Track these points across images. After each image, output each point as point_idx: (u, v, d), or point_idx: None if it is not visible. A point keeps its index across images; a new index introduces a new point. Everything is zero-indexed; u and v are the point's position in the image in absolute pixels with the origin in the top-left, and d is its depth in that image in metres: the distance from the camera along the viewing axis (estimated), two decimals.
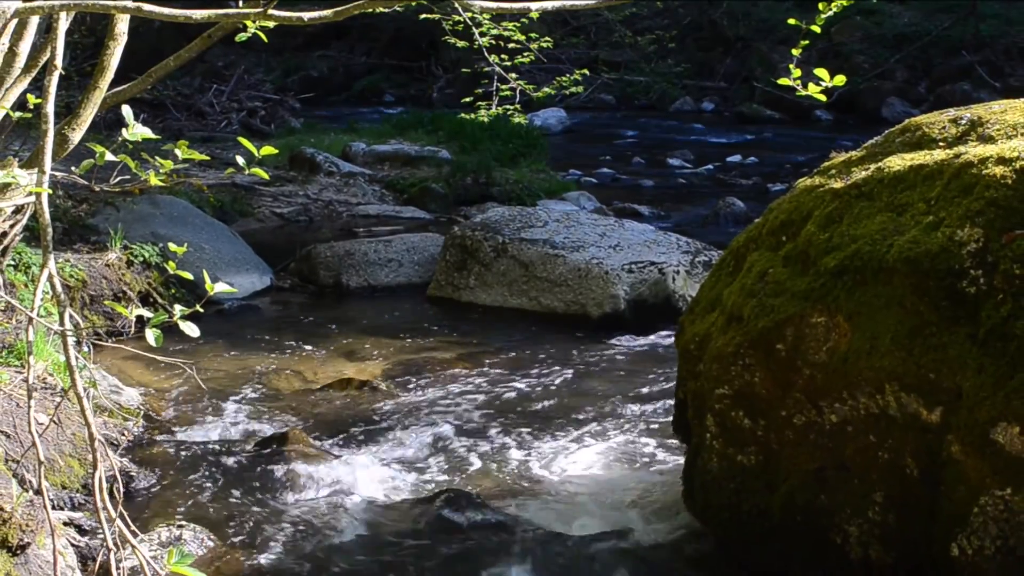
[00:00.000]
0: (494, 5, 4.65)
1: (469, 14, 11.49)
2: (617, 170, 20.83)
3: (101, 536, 5.88)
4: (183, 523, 6.86)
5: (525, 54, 13.63)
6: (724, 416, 6.41)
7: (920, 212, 5.74)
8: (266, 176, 4.48)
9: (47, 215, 3.98)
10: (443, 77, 32.28)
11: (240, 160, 4.40)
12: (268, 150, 4.33)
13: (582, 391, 9.44)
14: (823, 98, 4.64)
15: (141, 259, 11.40)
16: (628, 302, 11.29)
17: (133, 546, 3.90)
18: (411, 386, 9.56)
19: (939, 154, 6.00)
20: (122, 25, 6.05)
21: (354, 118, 25.74)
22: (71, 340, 3.95)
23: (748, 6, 32.08)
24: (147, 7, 3.88)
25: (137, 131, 4.03)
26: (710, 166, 21.26)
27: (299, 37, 33.61)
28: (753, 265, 6.56)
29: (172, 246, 4.50)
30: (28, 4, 3.93)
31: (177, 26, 17.35)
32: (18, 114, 5.30)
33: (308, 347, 10.63)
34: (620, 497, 7.44)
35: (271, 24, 4.10)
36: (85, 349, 9.04)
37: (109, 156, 4.14)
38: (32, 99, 5.02)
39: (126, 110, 4.19)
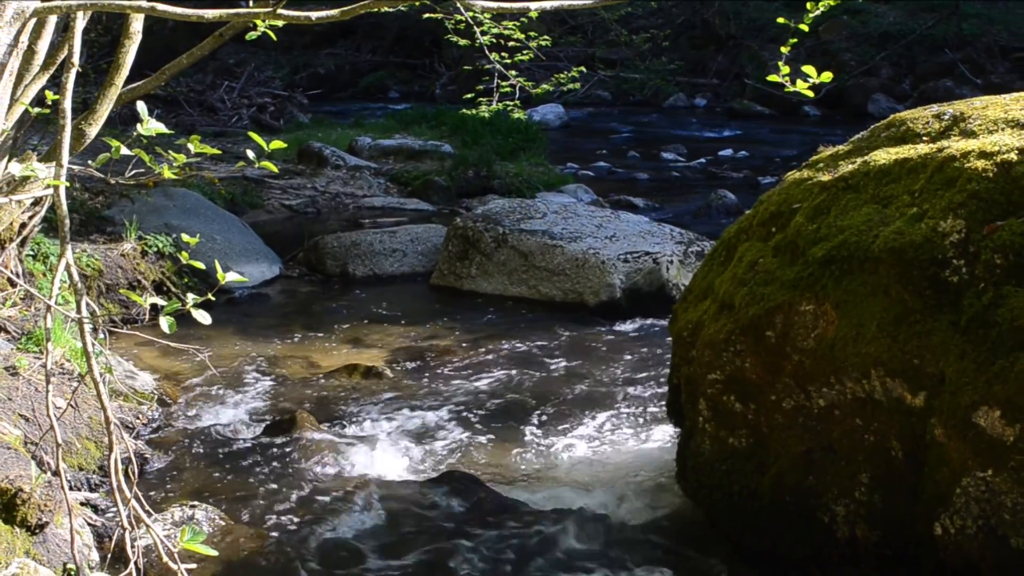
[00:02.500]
0: (495, 5, 4.65)
1: (471, 14, 11.47)
2: (613, 164, 20.83)
3: (117, 516, 5.88)
4: (195, 503, 6.86)
5: (524, 52, 13.62)
6: (716, 400, 6.42)
7: (904, 204, 5.74)
8: (275, 169, 4.48)
9: (64, 207, 3.98)
10: (446, 74, 32.31)
11: (250, 154, 4.40)
12: (277, 144, 4.33)
13: (579, 376, 9.44)
14: (811, 94, 4.65)
15: (155, 249, 11.40)
16: (624, 290, 11.29)
17: (147, 525, 3.90)
18: (415, 371, 9.56)
19: (923, 148, 5.99)
20: (137, 24, 6.05)
21: (360, 114, 25.78)
22: (88, 327, 3.95)
23: (739, 6, 32.10)
24: (161, 7, 3.88)
25: (151, 126, 4.03)
26: (702, 160, 21.25)
27: (307, 36, 33.65)
28: (744, 255, 6.56)
29: (185, 237, 4.51)
30: (46, 4, 3.93)
31: (190, 25, 17.33)
32: (37, 110, 5.29)
33: (316, 334, 10.63)
34: (616, 478, 7.44)
35: (280, 23, 4.10)
36: (101, 336, 9.04)
37: (124, 150, 4.14)
38: (50, 95, 5.01)
39: (141, 106, 4.19)
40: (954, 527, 5.19)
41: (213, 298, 4.03)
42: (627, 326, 10.87)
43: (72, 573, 5.70)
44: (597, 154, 21.69)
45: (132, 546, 3.90)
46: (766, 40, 30.37)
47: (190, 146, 4.30)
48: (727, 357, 6.31)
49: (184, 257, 4.29)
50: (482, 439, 8.18)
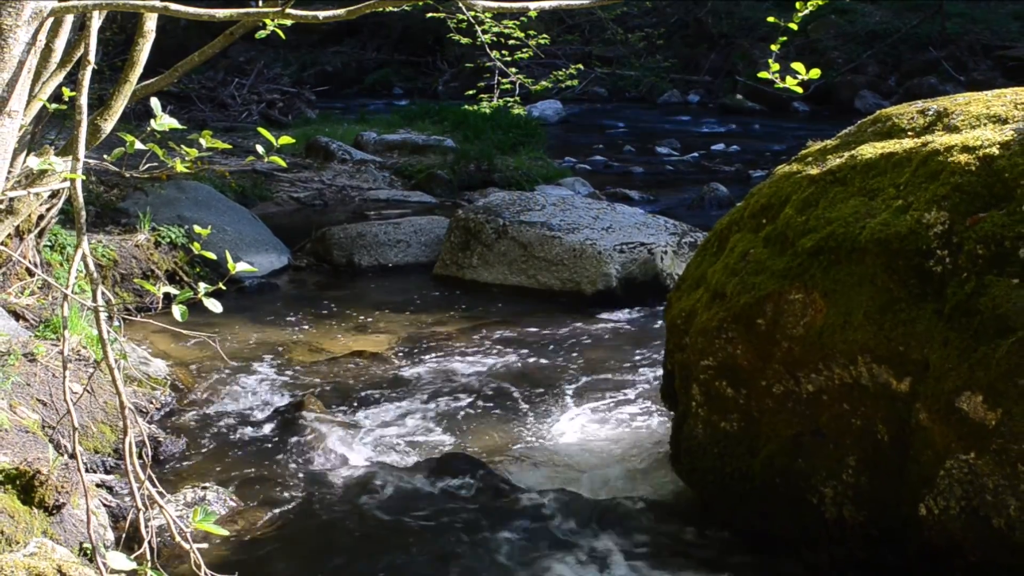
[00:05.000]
0: (495, 4, 4.64)
1: (472, 13, 11.46)
2: (609, 158, 20.83)
3: (131, 497, 5.88)
4: (207, 485, 6.87)
5: (524, 50, 13.60)
6: (708, 386, 6.42)
7: (890, 196, 5.74)
8: (284, 163, 4.48)
9: (81, 199, 3.97)
10: (448, 71, 32.32)
11: (260, 148, 4.39)
12: (286, 139, 4.32)
13: (576, 362, 9.44)
14: (800, 90, 4.64)
15: (168, 240, 11.40)
16: (619, 280, 11.29)
17: (160, 506, 3.90)
18: (418, 357, 9.56)
19: (908, 143, 5.99)
20: (150, 23, 6.04)
21: (365, 109, 25.77)
22: (103, 315, 3.95)
23: (731, 5, 32.11)
24: (174, 6, 3.87)
25: (164, 121, 4.02)
26: (695, 154, 21.26)
27: (314, 34, 33.66)
28: (735, 246, 6.56)
29: (197, 228, 4.50)
30: (63, 3, 3.92)
31: (201, 24, 17.30)
32: (54, 106, 5.28)
33: (323, 321, 10.63)
34: (611, 460, 7.45)
35: (288, 22, 4.09)
36: (116, 324, 9.02)
37: (138, 145, 4.13)
38: (67, 92, 5.00)
39: (154, 102, 4.18)
40: (938, 508, 5.19)
41: (224, 287, 4.02)
42: (623, 314, 10.87)
43: (88, 552, 5.70)
44: (594, 148, 21.68)
45: (146, 526, 3.89)
46: (757, 39, 30.39)
47: (202, 141, 4.29)
48: (719, 344, 6.31)
49: (196, 248, 4.28)
50: (483, 422, 8.19)
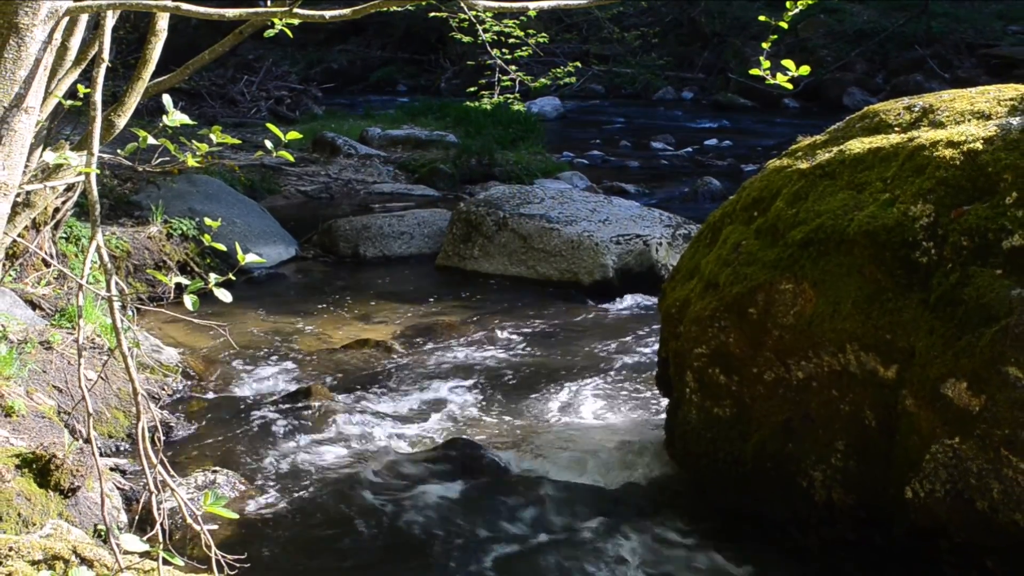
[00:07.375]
0: (495, 4, 4.63)
1: (473, 12, 11.45)
2: (606, 152, 20.81)
3: (144, 480, 5.89)
4: (217, 469, 6.87)
5: (523, 48, 13.60)
6: (702, 373, 6.42)
7: (878, 190, 5.73)
8: (291, 158, 4.47)
9: (95, 192, 3.96)
10: (450, 69, 32.27)
11: (268, 144, 4.39)
12: (293, 135, 4.32)
13: (574, 350, 9.44)
14: (790, 86, 4.65)
15: (179, 232, 11.40)
16: (616, 271, 11.30)
17: (172, 489, 3.90)
18: (422, 346, 9.56)
19: (895, 138, 5.99)
20: (162, 22, 6.03)
21: (370, 106, 25.74)
22: (117, 305, 3.95)
23: (723, 5, 32.09)
24: (185, 6, 3.86)
25: (176, 117, 4.02)
26: (689, 149, 21.23)
27: (321, 33, 33.64)
28: (728, 237, 6.56)
29: (207, 220, 4.50)
30: (78, 3, 3.91)
31: (212, 23, 17.28)
32: (69, 102, 5.28)
33: (329, 311, 10.63)
34: (608, 445, 7.44)
35: (296, 21, 4.08)
36: (129, 313, 9.03)
37: (151, 140, 4.13)
38: (82, 89, 4.99)
39: (166, 98, 4.18)
40: (924, 491, 5.20)
41: (234, 278, 4.02)
42: (619, 304, 10.87)
43: (102, 534, 5.71)
44: (591, 143, 21.66)
45: (158, 508, 3.90)
46: (748, 37, 30.36)
47: (212, 136, 4.29)
48: (712, 332, 6.32)
49: (207, 239, 4.28)
50: (484, 409, 8.19)
